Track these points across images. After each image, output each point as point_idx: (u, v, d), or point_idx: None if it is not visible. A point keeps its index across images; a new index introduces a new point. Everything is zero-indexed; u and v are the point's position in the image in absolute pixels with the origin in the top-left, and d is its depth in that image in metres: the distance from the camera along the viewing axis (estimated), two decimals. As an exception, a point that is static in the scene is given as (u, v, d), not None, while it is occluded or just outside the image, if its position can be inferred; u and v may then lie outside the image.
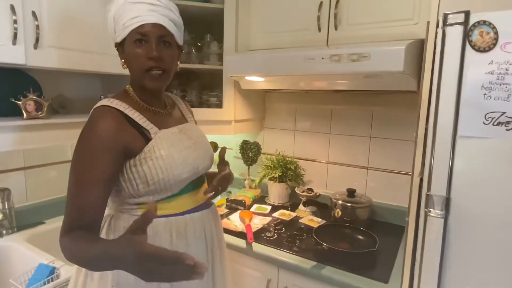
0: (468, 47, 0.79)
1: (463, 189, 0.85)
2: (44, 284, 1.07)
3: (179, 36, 0.93)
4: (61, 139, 1.33)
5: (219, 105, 1.76)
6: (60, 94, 1.58)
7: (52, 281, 1.09)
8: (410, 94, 1.52)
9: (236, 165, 2.07)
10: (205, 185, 1.06)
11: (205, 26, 1.83)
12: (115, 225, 0.89)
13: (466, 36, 0.78)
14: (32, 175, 1.54)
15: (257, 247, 1.38)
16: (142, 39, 0.85)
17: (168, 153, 0.87)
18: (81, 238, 0.76)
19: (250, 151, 1.92)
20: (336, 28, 1.43)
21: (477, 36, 0.77)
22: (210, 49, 1.77)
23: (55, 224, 1.51)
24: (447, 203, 0.85)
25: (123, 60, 0.92)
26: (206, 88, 1.91)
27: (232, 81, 1.69)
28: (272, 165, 1.80)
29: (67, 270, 1.12)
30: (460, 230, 0.85)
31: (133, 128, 0.86)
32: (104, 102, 0.86)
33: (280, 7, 1.57)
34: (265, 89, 1.88)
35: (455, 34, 0.80)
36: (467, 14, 0.78)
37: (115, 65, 1.49)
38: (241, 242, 1.42)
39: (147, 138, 0.87)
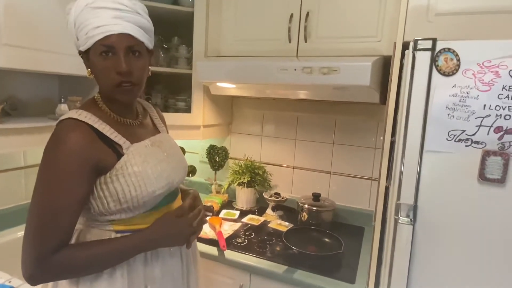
0: (434, 71, 0.88)
1: (428, 198, 0.94)
2: (2, 306, 0.98)
3: (149, 40, 0.86)
4: (16, 145, 1.22)
5: (187, 109, 1.73)
6: (12, 95, 1.44)
7: (10, 302, 1.00)
8: (371, 105, 1.64)
9: (203, 170, 2.06)
10: (179, 198, 1.02)
11: (173, 28, 1.79)
12: (84, 240, 0.84)
13: (433, 61, 0.87)
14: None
15: (229, 253, 1.39)
16: (108, 51, 0.78)
17: (142, 169, 0.83)
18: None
19: (217, 156, 1.91)
20: (306, 40, 1.49)
21: (442, 62, 0.86)
22: (178, 52, 1.73)
23: (4, 238, 1.39)
24: (414, 211, 0.94)
25: (89, 70, 0.84)
26: (172, 91, 1.86)
27: (201, 86, 1.67)
28: (240, 170, 1.82)
29: (28, 290, 1.03)
30: (426, 235, 0.95)
31: (104, 143, 0.80)
32: (72, 114, 0.79)
33: (251, 16, 1.59)
34: (233, 95, 1.89)
35: (423, 59, 0.89)
36: (434, 41, 0.87)
37: (74, 66, 1.39)
38: (212, 250, 1.41)
39: (119, 154, 0.82)
